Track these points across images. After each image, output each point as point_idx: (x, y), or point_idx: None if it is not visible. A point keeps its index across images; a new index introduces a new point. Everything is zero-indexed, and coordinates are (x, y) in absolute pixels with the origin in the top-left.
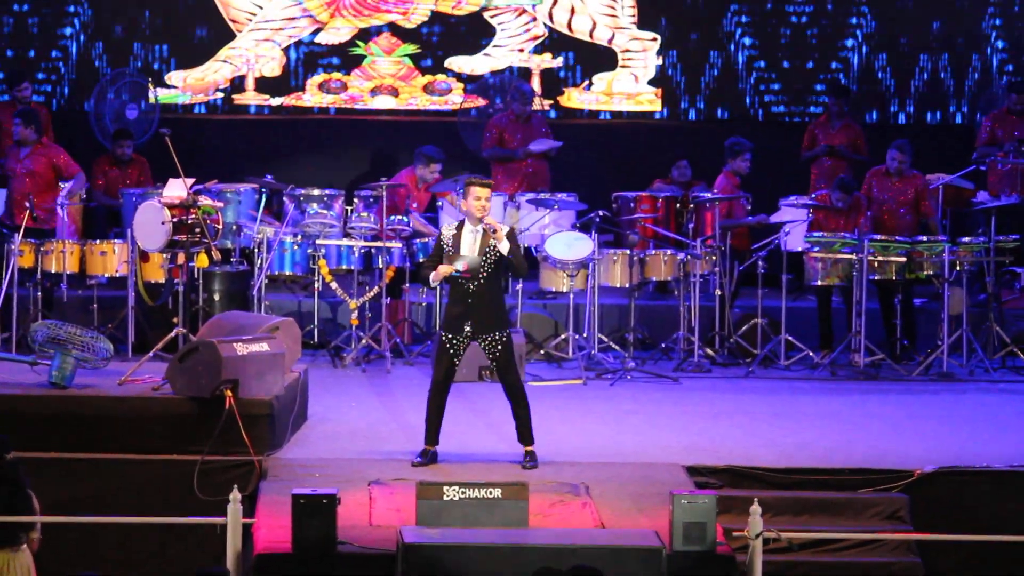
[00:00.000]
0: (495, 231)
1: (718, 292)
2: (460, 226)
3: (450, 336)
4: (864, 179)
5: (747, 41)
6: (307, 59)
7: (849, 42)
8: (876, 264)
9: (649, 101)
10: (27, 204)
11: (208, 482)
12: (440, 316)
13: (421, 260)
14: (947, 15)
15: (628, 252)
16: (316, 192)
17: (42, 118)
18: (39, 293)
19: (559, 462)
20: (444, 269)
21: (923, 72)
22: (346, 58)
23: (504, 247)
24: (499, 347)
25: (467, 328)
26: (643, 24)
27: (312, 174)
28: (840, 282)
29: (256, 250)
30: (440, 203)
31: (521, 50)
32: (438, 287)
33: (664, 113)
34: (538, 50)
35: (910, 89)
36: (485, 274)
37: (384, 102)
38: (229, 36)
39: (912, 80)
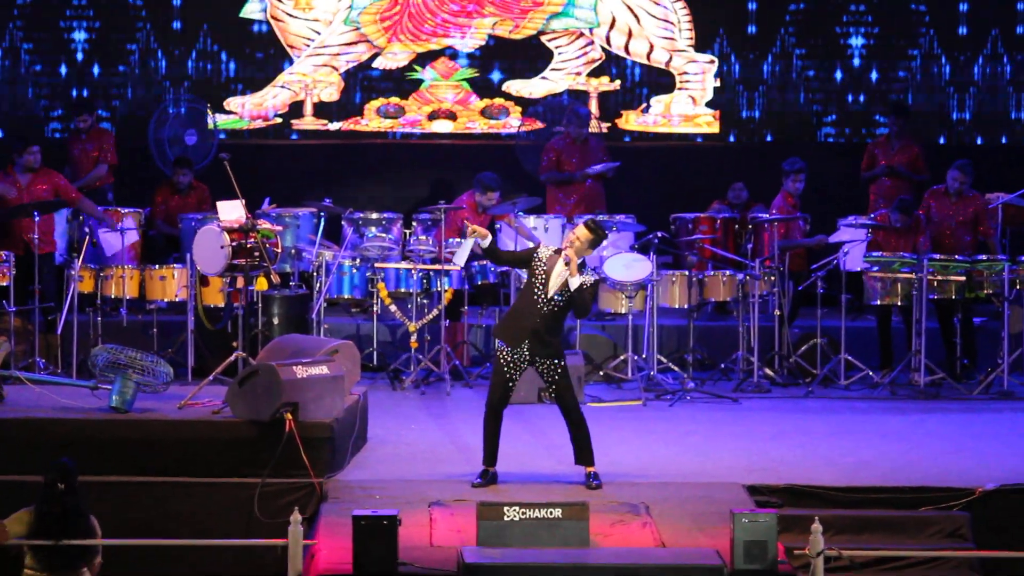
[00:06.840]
0: (568, 263)
1: (777, 312)
2: (558, 251)
3: (506, 349)
4: (923, 199)
5: (804, 62)
6: (365, 84)
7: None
8: (936, 283)
9: (707, 123)
10: (86, 229)
11: (268, 505)
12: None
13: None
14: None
15: (687, 273)
16: (375, 216)
17: (108, 141)
18: (99, 318)
19: (619, 482)
20: (480, 230)
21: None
22: (404, 83)
23: (574, 282)
24: (557, 372)
25: (525, 347)
26: (700, 47)
27: (370, 198)
28: (900, 302)
29: (315, 274)
30: (499, 226)
31: (578, 73)
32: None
33: (722, 135)
34: (595, 73)
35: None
36: (559, 300)
37: (442, 126)
38: (287, 61)
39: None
